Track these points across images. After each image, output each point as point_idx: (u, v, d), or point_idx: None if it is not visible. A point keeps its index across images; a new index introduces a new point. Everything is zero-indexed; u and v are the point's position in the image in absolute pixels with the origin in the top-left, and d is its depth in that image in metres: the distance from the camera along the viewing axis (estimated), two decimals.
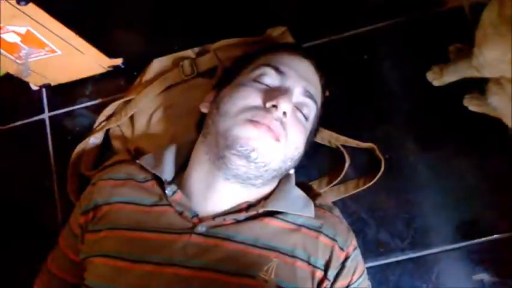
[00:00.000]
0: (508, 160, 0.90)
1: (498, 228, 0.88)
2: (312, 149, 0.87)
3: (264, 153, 0.68)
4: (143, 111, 0.94)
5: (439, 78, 0.90)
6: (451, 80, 0.89)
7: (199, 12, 0.93)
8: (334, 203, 0.89)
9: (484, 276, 0.87)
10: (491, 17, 0.69)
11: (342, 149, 0.91)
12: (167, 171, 0.76)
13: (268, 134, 0.67)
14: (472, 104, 0.89)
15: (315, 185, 0.92)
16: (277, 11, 0.98)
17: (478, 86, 0.87)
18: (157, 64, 0.96)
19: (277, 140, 0.69)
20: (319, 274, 0.71)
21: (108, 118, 0.97)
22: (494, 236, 0.88)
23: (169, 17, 0.92)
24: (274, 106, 0.68)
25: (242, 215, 0.71)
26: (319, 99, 0.78)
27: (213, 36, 0.96)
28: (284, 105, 0.68)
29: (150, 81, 0.95)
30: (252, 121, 0.68)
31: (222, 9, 0.93)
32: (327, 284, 0.71)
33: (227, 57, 0.92)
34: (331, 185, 0.90)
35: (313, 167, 0.94)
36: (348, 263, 0.74)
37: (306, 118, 0.75)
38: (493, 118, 0.87)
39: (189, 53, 0.96)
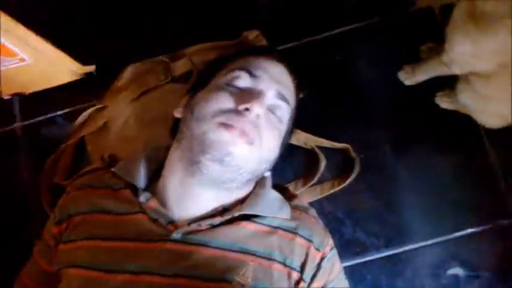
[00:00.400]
0: (481, 156, 0.92)
1: (471, 223, 0.90)
2: (288, 150, 0.87)
3: (238, 157, 0.68)
4: (117, 118, 0.94)
5: (411, 77, 0.92)
6: (422, 79, 0.91)
7: (173, 17, 0.93)
8: (311, 203, 0.90)
9: (459, 271, 0.89)
10: (461, 13, 0.71)
11: (316, 150, 0.92)
12: (141, 179, 0.76)
13: (242, 137, 0.67)
14: (443, 102, 0.91)
15: (291, 186, 0.92)
16: (251, 15, 0.98)
17: (449, 84, 0.88)
18: (131, 70, 0.96)
19: (251, 143, 0.69)
20: (295, 275, 0.71)
21: (82, 126, 0.96)
22: (468, 230, 0.90)
23: (142, 23, 0.92)
24: (247, 109, 0.69)
25: (217, 220, 0.71)
26: (292, 101, 0.79)
27: (187, 41, 0.96)
28: (257, 108, 0.69)
29: (124, 87, 0.94)
30: (225, 125, 0.68)
31: (195, 14, 0.94)
32: (303, 284, 0.72)
33: (202, 61, 0.92)
34: (307, 186, 0.91)
35: (289, 168, 0.95)
36: (324, 263, 0.75)
37: (280, 120, 0.75)
38: (465, 115, 0.90)
39: (164, 58, 0.95)
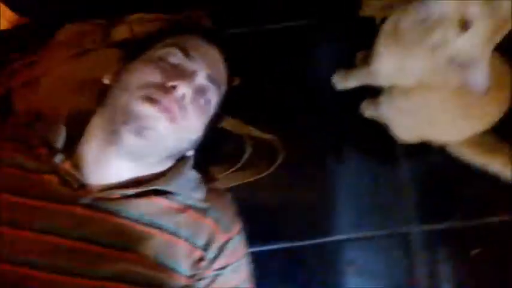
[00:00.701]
0: (394, 166, 0.99)
1: (376, 226, 0.97)
2: (217, 134, 0.89)
3: (158, 132, 0.69)
4: (49, 75, 0.91)
5: (343, 82, 0.96)
6: (353, 85, 0.96)
7: None
8: (233, 188, 0.93)
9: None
10: (387, 29, 0.76)
11: (245, 137, 0.94)
12: (59, 139, 0.75)
13: (164, 113, 0.69)
14: (367, 110, 0.96)
15: (215, 169, 0.94)
16: None
17: (376, 94, 0.94)
18: (70, 29, 0.93)
19: (174, 120, 0.70)
20: (198, 253, 0.74)
21: (10, 77, 0.93)
22: (368, 233, 0.96)
23: None
24: (174, 87, 0.70)
25: (130, 191, 0.72)
26: (223, 86, 0.80)
27: (131, 8, 0.94)
28: (184, 87, 0.70)
29: (61, 45, 0.92)
30: (150, 98, 0.68)
31: None
32: (204, 263, 0.75)
33: (142, 31, 0.91)
34: (231, 170, 0.94)
35: (217, 152, 0.97)
36: (229, 245, 0.78)
37: (208, 102, 0.77)
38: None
39: (104, 22, 0.94)
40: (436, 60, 0.68)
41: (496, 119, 0.81)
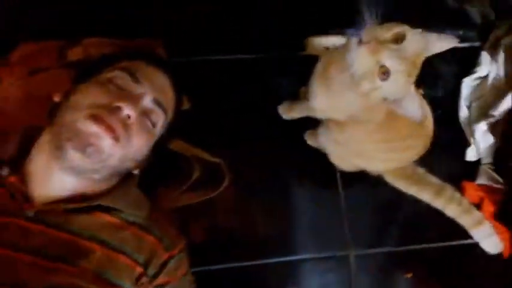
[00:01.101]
0: (332, 193, 1.06)
1: (312, 249, 1.02)
2: (167, 155, 0.94)
3: (101, 150, 0.72)
4: (3, 92, 0.93)
5: (288, 113, 1.03)
6: (297, 116, 1.03)
7: (78, 5, 0.95)
8: (182, 207, 0.96)
9: None
10: (319, 69, 0.83)
11: (192, 159, 0.98)
12: (7, 153, 0.77)
13: (107, 132, 0.72)
14: (310, 140, 1.03)
15: (163, 189, 0.97)
16: (158, 24, 1.04)
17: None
18: (26, 48, 0.96)
19: (117, 140, 0.73)
20: (139, 269, 0.76)
21: None
22: (307, 255, 1.02)
23: (46, 3, 0.94)
24: (120, 108, 0.74)
25: (74, 206, 0.74)
26: (170, 110, 0.85)
27: (88, 32, 0.99)
28: (128, 108, 0.74)
29: (15, 63, 0.94)
30: (95, 117, 0.72)
31: (103, 7, 0.97)
32: (145, 279, 0.77)
33: (95, 53, 0.95)
34: (179, 190, 0.97)
35: (166, 172, 1.00)
36: (171, 263, 0.81)
37: (153, 125, 0.81)
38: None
39: (60, 43, 0.97)
40: (370, 101, 0.75)
41: (419, 153, 0.89)
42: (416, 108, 0.71)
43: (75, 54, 0.96)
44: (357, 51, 0.68)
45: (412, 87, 0.73)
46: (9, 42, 0.97)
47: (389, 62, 0.67)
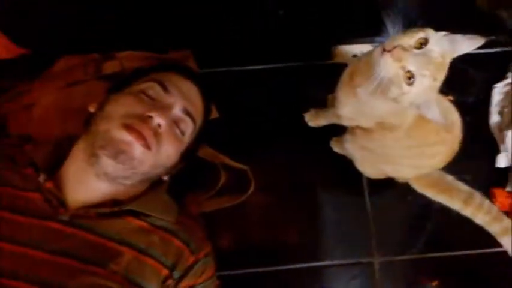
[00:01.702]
0: (359, 201, 1.06)
1: (339, 256, 1.03)
2: (195, 162, 0.97)
3: (132, 157, 0.76)
4: (42, 102, 0.99)
5: (314, 120, 1.04)
6: (323, 124, 1.04)
7: (114, 21, 1.01)
8: (209, 213, 1.00)
9: None
10: (345, 77, 0.84)
11: (219, 166, 1.01)
12: (45, 160, 0.82)
13: (139, 140, 0.76)
14: (336, 147, 1.04)
15: (191, 195, 1.01)
16: (188, 35, 1.08)
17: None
18: (66, 61, 1.02)
19: (148, 147, 0.77)
20: (165, 272, 0.79)
21: (8, 102, 1.01)
22: (334, 261, 1.03)
23: (84, 21, 0.99)
24: (151, 117, 0.77)
25: (105, 210, 0.78)
26: (199, 119, 0.88)
27: (123, 45, 1.04)
28: (159, 117, 0.78)
29: (55, 76, 1.01)
30: (127, 126, 0.76)
31: (137, 22, 1.02)
32: (171, 282, 0.80)
33: (130, 66, 1.00)
34: (207, 196, 1.00)
35: (194, 179, 1.04)
36: (196, 267, 0.84)
37: (183, 133, 0.84)
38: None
39: (97, 56, 1.03)
40: (398, 107, 0.76)
41: (447, 160, 0.88)
42: (439, 113, 0.71)
43: (110, 67, 1.01)
44: (382, 58, 0.69)
45: (436, 92, 0.73)
46: (52, 55, 1.04)
47: (413, 67, 0.67)
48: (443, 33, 0.70)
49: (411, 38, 0.68)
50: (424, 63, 0.67)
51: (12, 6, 0.92)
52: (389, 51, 0.68)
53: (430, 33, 0.69)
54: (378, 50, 0.71)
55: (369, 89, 0.74)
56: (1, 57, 1.03)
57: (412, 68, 0.68)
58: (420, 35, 0.68)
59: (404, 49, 0.68)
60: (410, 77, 0.68)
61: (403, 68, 0.68)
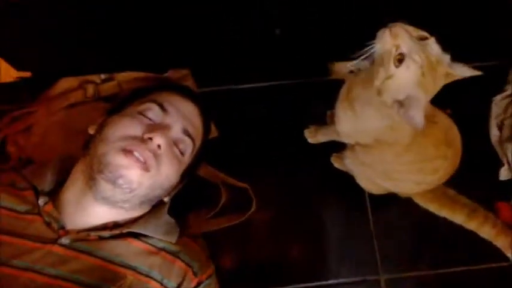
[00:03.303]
0: (362, 217, 1.05)
1: (343, 274, 1.01)
2: (195, 182, 0.97)
3: (131, 181, 0.75)
4: (42, 124, 0.99)
5: (314, 137, 1.04)
6: (323, 140, 1.04)
7: (111, 41, 1.01)
8: (209, 232, 0.98)
9: None
10: (344, 95, 0.84)
11: (220, 185, 1.00)
12: (44, 183, 0.81)
13: (137, 164, 0.75)
14: (336, 163, 1.04)
15: (192, 215, 1.00)
16: (185, 54, 1.09)
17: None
18: (64, 83, 1.03)
19: (147, 170, 0.76)
20: None
21: (8, 125, 1.01)
22: (340, 280, 1.01)
23: (82, 42, 1.00)
24: (150, 138, 0.77)
25: (106, 233, 0.77)
26: (198, 139, 0.88)
27: (121, 66, 1.04)
28: (159, 138, 0.77)
29: (54, 97, 1.01)
30: (125, 150, 0.75)
31: (135, 42, 1.03)
32: None
33: (128, 87, 1.00)
34: (207, 217, 0.99)
35: (195, 199, 1.03)
36: None
37: (182, 153, 0.84)
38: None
39: (95, 77, 1.03)
40: (392, 119, 0.76)
41: (448, 175, 0.88)
42: (418, 117, 0.70)
43: (108, 88, 1.02)
44: (381, 32, 0.70)
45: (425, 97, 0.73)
46: (51, 77, 1.04)
47: (406, 49, 0.68)
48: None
49: (416, 31, 0.70)
50: (418, 50, 0.68)
51: (11, 31, 0.93)
52: (391, 27, 0.70)
53: (433, 40, 0.70)
54: (383, 30, 0.71)
55: (364, 99, 0.74)
56: (1, 80, 1.04)
57: (404, 49, 0.68)
58: (425, 34, 0.70)
59: (405, 30, 0.69)
60: (400, 60, 0.69)
61: (396, 47, 0.69)
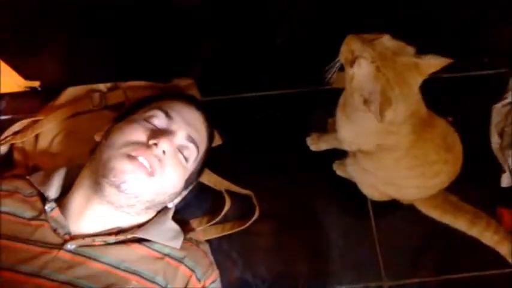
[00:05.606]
0: (365, 223, 1.05)
1: (346, 281, 1.02)
2: (199, 189, 0.98)
3: (135, 186, 0.77)
4: (48, 132, 1.01)
5: (316, 144, 1.05)
6: (325, 148, 1.05)
7: (116, 51, 1.03)
8: (211, 240, 1.00)
9: None
10: (341, 102, 0.86)
11: (224, 192, 1.02)
12: (51, 190, 0.83)
13: (141, 169, 0.77)
14: (339, 170, 1.04)
15: (196, 221, 1.01)
16: (189, 63, 1.11)
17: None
18: (71, 91, 1.05)
19: (152, 175, 0.78)
20: None
21: (15, 134, 1.03)
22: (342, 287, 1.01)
23: (89, 52, 1.02)
24: (155, 144, 0.79)
25: (111, 238, 0.78)
26: (202, 146, 0.89)
27: (126, 75, 1.07)
28: (164, 144, 0.79)
29: (61, 106, 1.03)
30: (129, 156, 0.77)
31: (140, 53, 1.05)
32: None
33: (134, 96, 1.02)
34: (211, 223, 1.00)
35: (198, 205, 1.04)
36: None
37: (186, 159, 0.85)
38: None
39: (101, 86, 1.06)
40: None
41: (449, 180, 0.88)
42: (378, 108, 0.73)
43: (114, 97, 1.03)
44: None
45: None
46: (59, 87, 1.07)
47: (357, 51, 0.73)
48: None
49: (371, 36, 0.75)
50: (368, 48, 0.72)
51: (20, 41, 0.95)
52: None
53: (388, 37, 0.74)
54: None
55: (351, 102, 0.76)
56: (10, 90, 1.06)
57: (356, 52, 0.73)
58: (379, 35, 0.74)
59: (357, 37, 0.74)
60: (353, 61, 0.73)
61: (352, 52, 0.74)
